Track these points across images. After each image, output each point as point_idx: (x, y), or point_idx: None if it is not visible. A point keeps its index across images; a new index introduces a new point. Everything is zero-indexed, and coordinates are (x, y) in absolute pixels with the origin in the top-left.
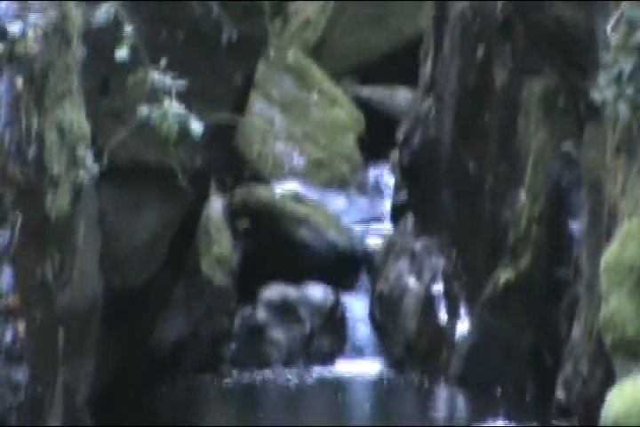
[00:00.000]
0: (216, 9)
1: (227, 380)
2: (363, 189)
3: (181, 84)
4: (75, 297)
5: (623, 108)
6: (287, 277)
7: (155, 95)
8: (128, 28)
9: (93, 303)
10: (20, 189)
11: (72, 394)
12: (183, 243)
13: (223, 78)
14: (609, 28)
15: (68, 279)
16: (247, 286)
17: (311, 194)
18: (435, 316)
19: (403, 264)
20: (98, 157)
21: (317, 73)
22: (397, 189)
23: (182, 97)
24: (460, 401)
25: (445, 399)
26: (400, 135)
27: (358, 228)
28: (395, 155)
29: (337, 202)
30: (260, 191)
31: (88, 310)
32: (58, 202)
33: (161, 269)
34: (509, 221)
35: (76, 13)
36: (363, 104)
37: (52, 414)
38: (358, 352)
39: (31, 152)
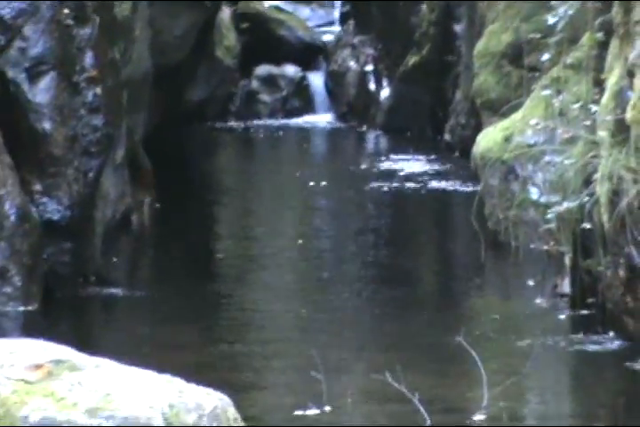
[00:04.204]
0: None
1: (233, 124)
2: (321, 3)
3: None
4: (133, 70)
5: None
6: (272, 61)
7: None
8: None
9: (146, 74)
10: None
11: (131, 134)
12: (204, 36)
13: None
14: None
15: (129, 59)
16: (246, 66)
17: (287, 7)
18: (367, 85)
19: (346, 52)
20: None
21: None
22: (344, 3)
23: None
24: (384, 140)
25: (374, 138)
26: None
27: (318, 28)
28: None
29: (304, 12)
30: (255, 4)
31: (142, 79)
32: (122, 9)
33: (190, 52)
34: (416, 24)
35: None
36: None
37: (119, 146)
38: (317, 109)
39: None
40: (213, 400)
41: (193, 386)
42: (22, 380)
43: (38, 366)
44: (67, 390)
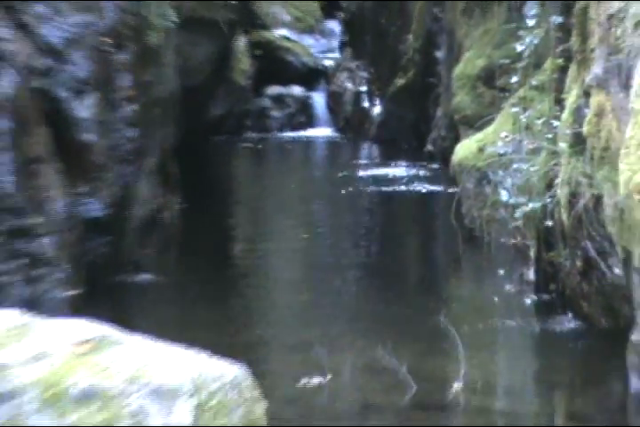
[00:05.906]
0: None
1: (248, 136)
2: (323, 33)
3: None
4: (163, 90)
5: None
6: (280, 82)
7: None
8: None
9: (173, 94)
10: (132, 30)
11: (161, 144)
12: (222, 61)
13: None
14: None
15: (159, 80)
16: (258, 87)
17: (294, 36)
18: (361, 103)
19: (344, 75)
20: (176, 14)
21: None
22: (343, 33)
23: None
24: (376, 150)
25: (367, 148)
26: (344, 4)
27: (320, 55)
28: (342, 14)
29: (308, 41)
30: (266, 34)
31: (170, 98)
32: (154, 38)
33: (210, 75)
34: (403, 51)
35: None
36: None
37: (151, 155)
38: (319, 124)
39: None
40: (233, 371)
41: (215, 359)
42: (71, 353)
43: (85, 342)
44: (110, 362)
